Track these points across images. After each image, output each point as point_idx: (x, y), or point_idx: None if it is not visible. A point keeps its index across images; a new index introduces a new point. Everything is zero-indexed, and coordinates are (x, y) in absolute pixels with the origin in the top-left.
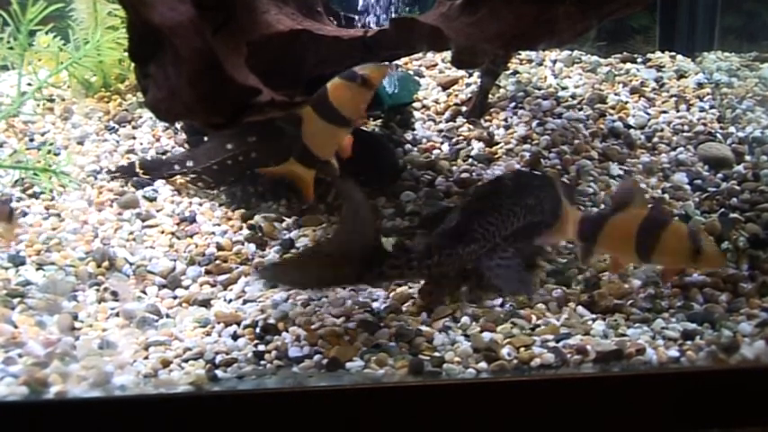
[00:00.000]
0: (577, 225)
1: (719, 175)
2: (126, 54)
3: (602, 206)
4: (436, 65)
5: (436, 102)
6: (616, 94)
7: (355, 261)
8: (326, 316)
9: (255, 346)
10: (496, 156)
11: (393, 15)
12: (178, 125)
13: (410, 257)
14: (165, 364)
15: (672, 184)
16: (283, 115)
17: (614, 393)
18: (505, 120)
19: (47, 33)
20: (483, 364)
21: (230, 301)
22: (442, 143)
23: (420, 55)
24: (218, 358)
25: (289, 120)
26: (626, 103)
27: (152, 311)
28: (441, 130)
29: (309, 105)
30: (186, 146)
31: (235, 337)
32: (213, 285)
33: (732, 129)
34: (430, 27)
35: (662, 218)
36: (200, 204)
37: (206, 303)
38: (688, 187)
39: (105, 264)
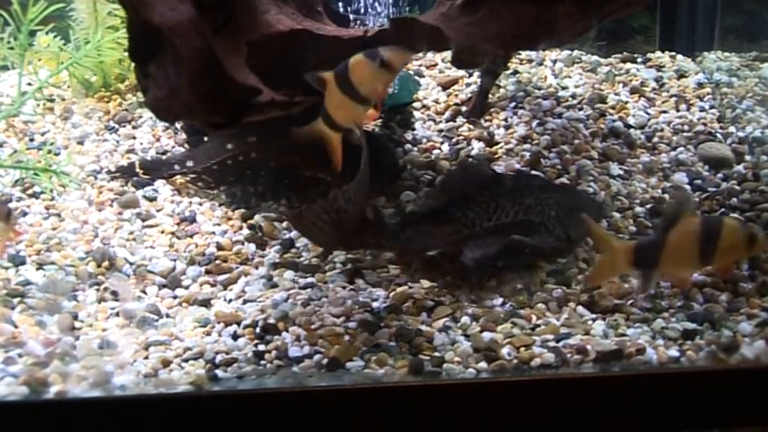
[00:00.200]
0: (631, 255)
1: (719, 174)
2: (126, 54)
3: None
4: (436, 65)
5: (436, 102)
6: (616, 94)
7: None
8: (326, 316)
9: (255, 345)
10: (497, 156)
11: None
12: (178, 125)
13: (386, 230)
14: (166, 363)
15: (672, 184)
16: (283, 115)
17: (614, 393)
18: (505, 120)
19: (47, 33)
20: (483, 364)
21: (230, 300)
22: (442, 143)
23: (420, 55)
24: (219, 358)
25: (313, 79)
26: (626, 102)
27: (152, 311)
28: (441, 130)
29: (333, 73)
30: (186, 146)
31: (235, 336)
32: (213, 285)
33: (732, 129)
34: (430, 27)
35: (715, 219)
36: (201, 204)
37: (206, 303)
38: (688, 187)
39: (105, 263)
